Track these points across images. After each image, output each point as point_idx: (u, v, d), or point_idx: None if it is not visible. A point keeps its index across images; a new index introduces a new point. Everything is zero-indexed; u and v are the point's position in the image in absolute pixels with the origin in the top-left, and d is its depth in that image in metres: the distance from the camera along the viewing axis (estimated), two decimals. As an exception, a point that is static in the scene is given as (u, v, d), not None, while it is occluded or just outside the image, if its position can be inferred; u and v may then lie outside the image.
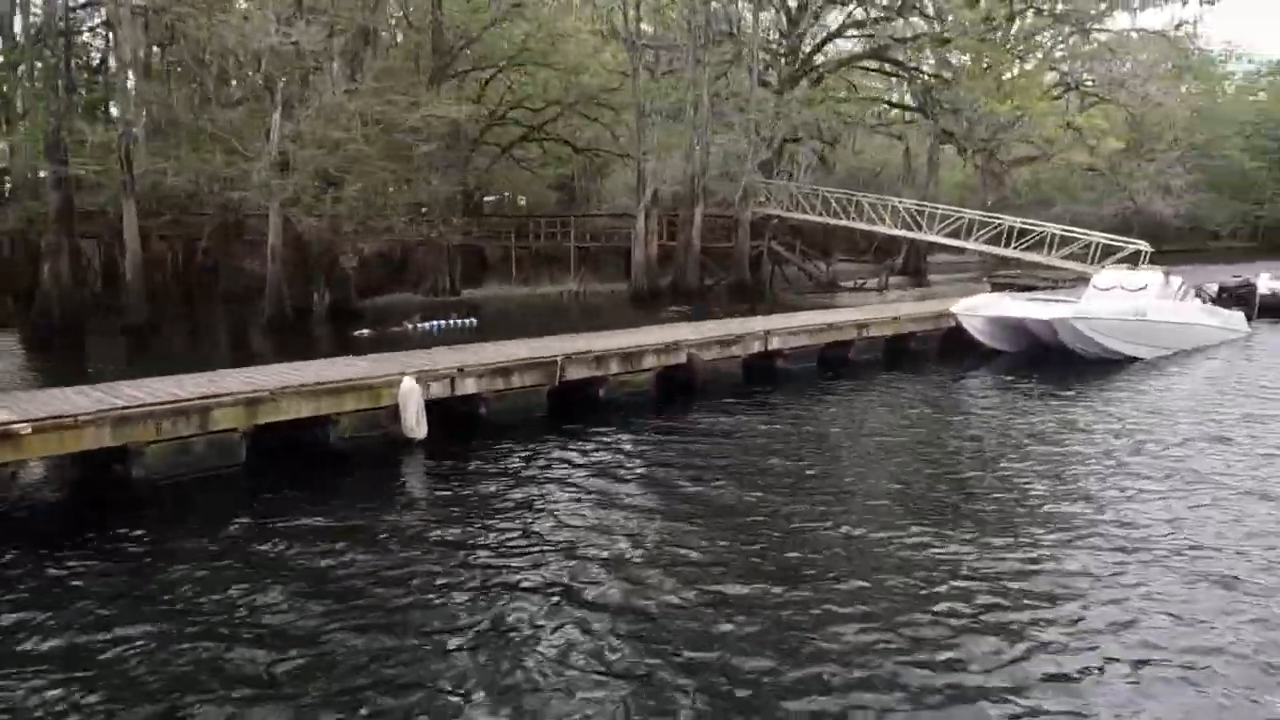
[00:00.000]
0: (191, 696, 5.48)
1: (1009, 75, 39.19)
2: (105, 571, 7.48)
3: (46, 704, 5.43)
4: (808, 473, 10.31)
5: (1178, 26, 41.31)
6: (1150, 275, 18.35)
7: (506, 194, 51.50)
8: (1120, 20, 38.74)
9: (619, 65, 34.71)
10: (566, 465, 10.57)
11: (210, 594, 6.94)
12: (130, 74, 20.97)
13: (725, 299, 30.05)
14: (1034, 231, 27.92)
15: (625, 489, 9.68)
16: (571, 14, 36.62)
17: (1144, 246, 26.38)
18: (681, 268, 30.62)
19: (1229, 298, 20.35)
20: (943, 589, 6.88)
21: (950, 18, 29.95)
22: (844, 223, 31.21)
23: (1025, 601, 6.72)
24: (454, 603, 6.81)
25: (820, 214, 31.54)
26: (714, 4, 30.55)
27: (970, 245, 29.57)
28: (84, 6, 27.72)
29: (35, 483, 9.78)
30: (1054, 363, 16.34)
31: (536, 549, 7.91)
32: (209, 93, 25.61)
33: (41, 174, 23.63)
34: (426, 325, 21.77)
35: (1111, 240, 26.97)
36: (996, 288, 30.07)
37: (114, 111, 24.81)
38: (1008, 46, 33.32)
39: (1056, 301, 17.70)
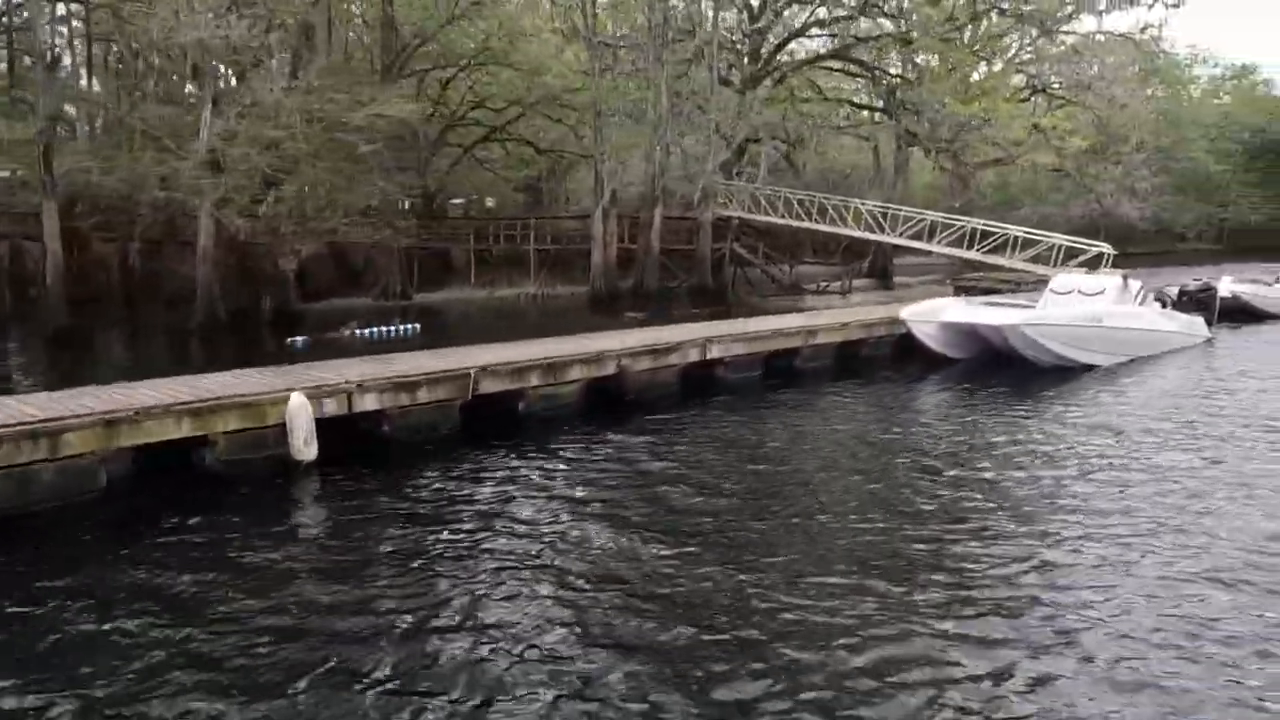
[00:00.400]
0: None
1: (975, 77, 38.71)
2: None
3: None
4: (741, 494, 9.41)
5: (1143, 29, 40.88)
6: (1108, 279, 17.60)
7: (474, 196, 50.40)
8: (1087, 23, 38.26)
9: (582, 65, 33.73)
10: (474, 487, 9.61)
11: (36, 643, 5.95)
12: (40, 69, 19.64)
13: (686, 302, 29.16)
14: (996, 233, 27.23)
15: (538, 514, 8.73)
16: (532, 13, 35.59)
17: (1106, 249, 25.75)
18: (641, 271, 29.65)
19: (1189, 302, 19.67)
20: (879, 632, 6.15)
21: (913, 16, 29.16)
22: (806, 225, 30.36)
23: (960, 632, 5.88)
24: (322, 657, 5.86)
25: (783, 216, 30.69)
26: (674, 1, 29.64)
27: (933, 248, 28.83)
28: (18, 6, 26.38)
29: None
30: (1008, 370, 15.53)
31: (430, 584, 7.02)
32: (143, 89, 24.38)
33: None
34: (365, 332, 20.64)
35: (1074, 243, 26.31)
36: (959, 291, 29.37)
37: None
38: (973, 48, 32.58)
39: (1011, 306, 16.90)
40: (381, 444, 10.84)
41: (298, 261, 23.80)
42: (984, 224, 27.88)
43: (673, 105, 28.89)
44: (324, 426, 10.19)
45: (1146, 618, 6.35)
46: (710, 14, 30.14)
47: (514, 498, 9.23)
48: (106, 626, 6.29)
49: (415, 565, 7.47)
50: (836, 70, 35.35)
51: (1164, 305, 19.70)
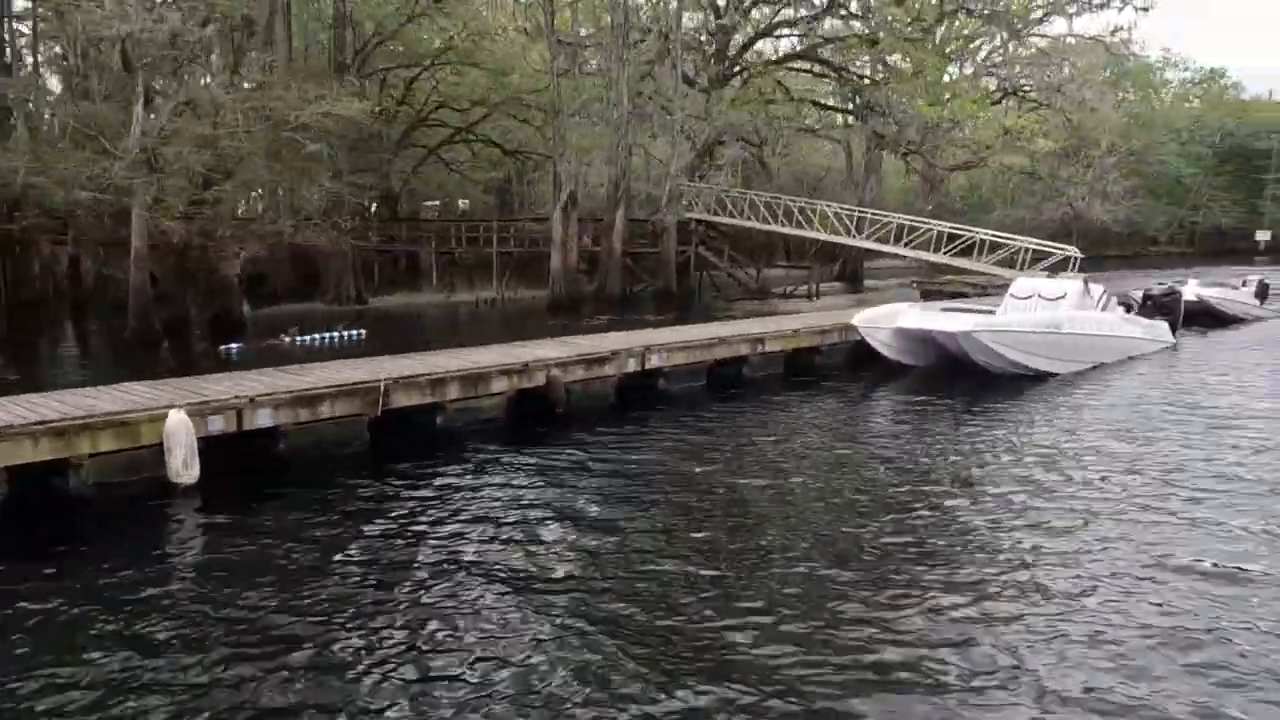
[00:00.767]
0: None
1: (946, 78, 38.17)
2: None
3: None
4: (676, 517, 8.61)
5: (1113, 32, 40.51)
6: (1069, 283, 16.90)
7: (449, 198, 49.45)
8: (1057, 25, 37.86)
9: (547, 65, 32.88)
10: (375, 512, 8.71)
11: None
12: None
13: (651, 307, 28.36)
14: (963, 236, 26.62)
15: (444, 542, 7.87)
16: (496, 10, 34.70)
17: (1073, 252, 25.21)
18: (604, 275, 28.81)
19: (1153, 306, 19.03)
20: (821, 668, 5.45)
21: (879, 16, 28.49)
22: (771, 228, 29.63)
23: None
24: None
25: (748, 218, 29.96)
26: (637, 0, 28.87)
27: (898, 251, 28.18)
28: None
29: None
30: (963, 379, 14.79)
31: (311, 628, 6.15)
32: (86, 86, 23.30)
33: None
34: (305, 338, 19.68)
35: (1041, 245, 25.77)
36: (926, 295, 28.74)
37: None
38: (942, 49, 31.97)
39: (969, 311, 16.18)
40: (277, 465, 9.92)
41: (242, 265, 22.77)
42: (950, 227, 27.28)
43: (635, 105, 28.11)
44: (210, 446, 9.28)
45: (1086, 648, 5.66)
46: (674, 11, 29.33)
47: (418, 523, 8.36)
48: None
49: (296, 604, 6.57)
50: (804, 71, 34.65)
51: (1128, 310, 19.09)
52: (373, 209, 36.92)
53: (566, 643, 5.93)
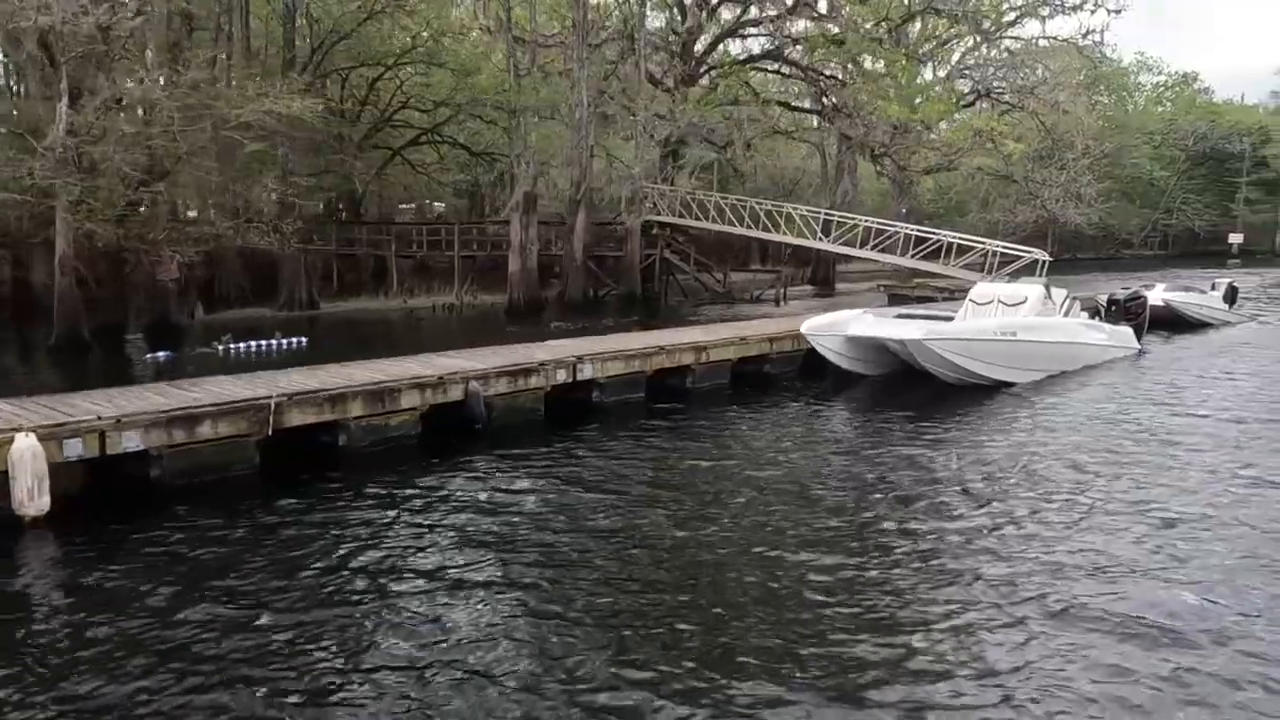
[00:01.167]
0: None
1: (920, 81, 37.50)
2: None
3: None
4: (605, 543, 7.79)
5: (1085, 34, 39.98)
6: (1029, 288, 16.13)
7: (427, 201, 48.41)
8: (1031, 28, 37.27)
9: (525, 68, 31.89)
10: (254, 545, 7.77)
11: None
12: None
13: (614, 311, 27.46)
14: (931, 239, 25.87)
15: (333, 580, 7.00)
16: (458, 8, 33.69)
17: (1041, 255, 24.47)
18: (566, 279, 27.89)
19: (1118, 311, 18.29)
20: None
21: (844, 15, 27.72)
22: (738, 231, 28.79)
23: None
24: None
25: (714, 221, 29.11)
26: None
27: (864, 254, 27.44)
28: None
29: None
30: (917, 389, 13.96)
31: (170, 686, 5.30)
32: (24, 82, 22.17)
33: None
34: (241, 346, 18.64)
35: (1009, 249, 25.05)
36: (894, 299, 28.04)
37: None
38: (908, 50, 31.23)
39: (925, 318, 15.37)
40: (148, 493, 8.93)
41: (192, 269, 21.72)
42: (918, 230, 26.51)
43: (597, 105, 27.20)
44: (67, 473, 8.30)
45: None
46: (637, 11, 28.44)
47: (304, 558, 7.45)
48: None
49: (153, 652, 5.70)
50: (773, 72, 33.86)
51: (1095, 316, 18.36)
52: (342, 213, 35.95)
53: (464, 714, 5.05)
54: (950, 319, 15.95)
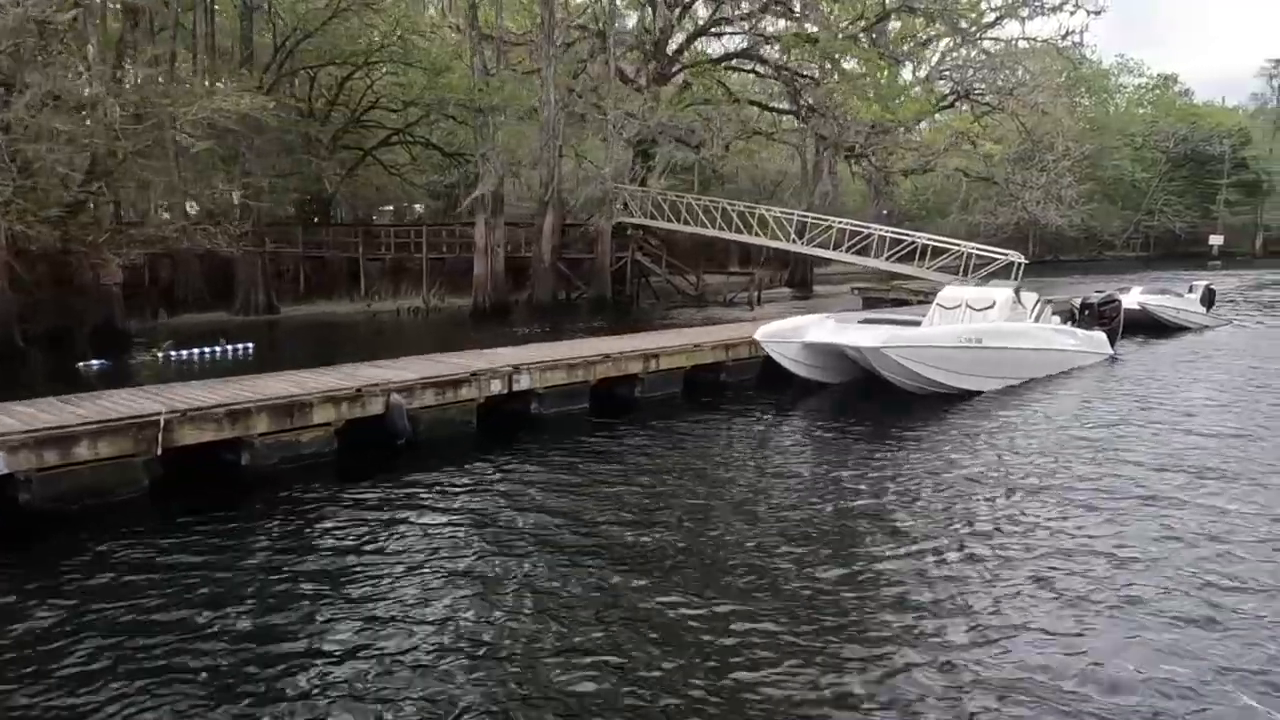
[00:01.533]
0: None
1: (899, 81, 36.81)
2: None
3: None
4: (542, 571, 6.98)
5: (1064, 35, 39.43)
6: (998, 292, 15.37)
7: (407, 204, 47.45)
8: (1010, 29, 36.66)
9: (488, 65, 31.05)
10: (132, 579, 6.90)
11: None
12: None
13: (584, 315, 26.65)
14: (905, 241, 25.14)
15: (225, 619, 6.16)
16: (430, 9, 32.81)
17: (1016, 257, 23.69)
18: (534, 282, 27.05)
19: (1091, 316, 17.55)
20: None
21: (817, 13, 26.96)
22: (710, 232, 27.97)
23: None
24: None
25: (687, 223, 28.30)
26: (569, -4, 27.19)
27: (837, 256, 26.69)
28: None
29: None
30: (878, 399, 13.16)
31: None
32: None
33: None
34: (183, 353, 17.73)
35: (983, 251, 24.32)
36: (868, 302, 27.31)
37: None
38: (880, 50, 30.49)
39: (888, 323, 14.60)
40: (14, 521, 8.03)
41: (150, 273, 20.78)
42: (893, 232, 25.76)
43: (565, 103, 26.37)
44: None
45: None
46: (607, 8, 27.64)
47: (181, 593, 6.60)
48: None
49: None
50: (748, 71, 33.10)
51: (1070, 320, 17.62)
52: (314, 215, 35.01)
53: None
54: (918, 324, 15.22)
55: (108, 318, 20.36)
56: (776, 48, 30.10)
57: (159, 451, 8.69)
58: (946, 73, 39.42)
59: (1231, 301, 28.45)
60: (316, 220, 34.27)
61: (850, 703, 5.14)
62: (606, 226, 27.77)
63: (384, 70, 33.48)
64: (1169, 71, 67.71)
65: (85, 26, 19.15)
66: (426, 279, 29.81)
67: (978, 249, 24.09)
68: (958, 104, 38.98)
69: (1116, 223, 59.61)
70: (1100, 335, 16.92)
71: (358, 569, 7.10)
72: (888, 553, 7.41)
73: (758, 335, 13.43)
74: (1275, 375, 15.19)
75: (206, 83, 20.76)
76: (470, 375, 11.25)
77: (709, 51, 32.04)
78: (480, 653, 5.72)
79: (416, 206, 47.07)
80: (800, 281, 36.99)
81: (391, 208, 47.67)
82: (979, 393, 13.50)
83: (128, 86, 19.52)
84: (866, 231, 25.86)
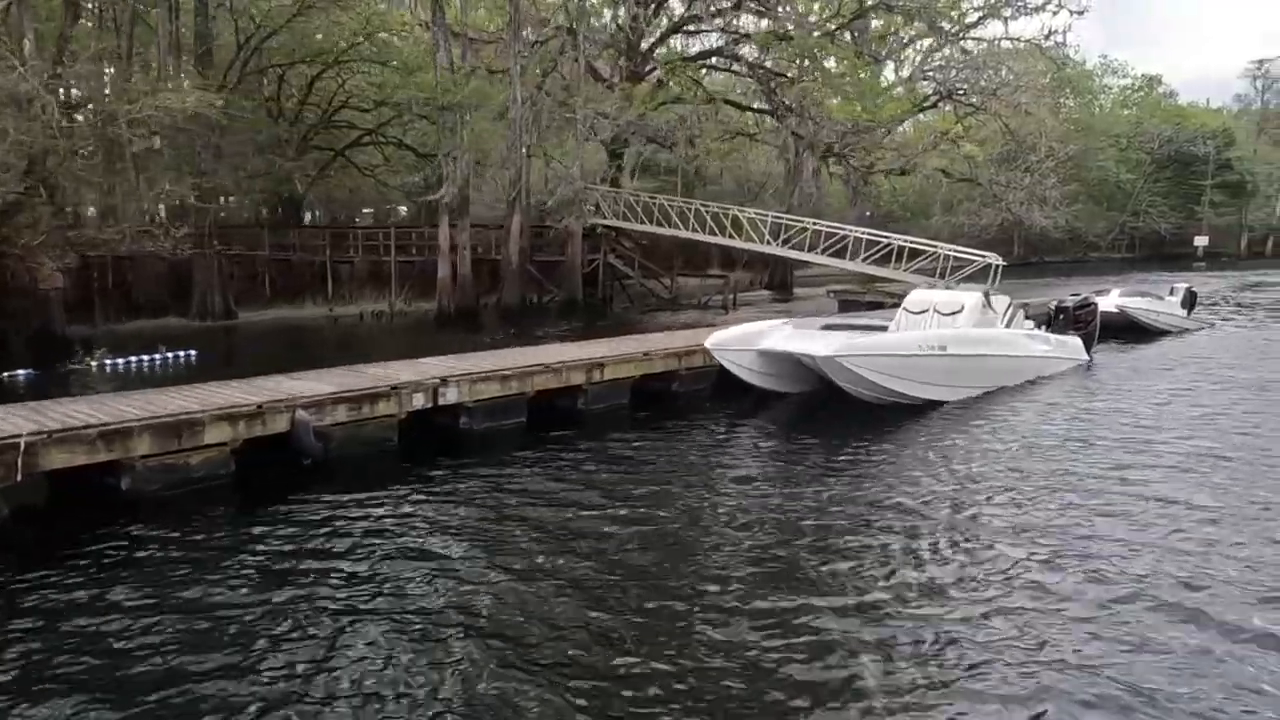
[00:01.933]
0: None
1: (880, 81, 35.98)
2: None
3: None
4: (444, 623, 6.07)
5: (1047, 35, 38.69)
6: (967, 296, 14.51)
7: (388, 206, 46.48)
8: (994, 29, 35.88)
9: (459, 65, 30.10)
10: None
11: None
12: None
13: (555, 319, 25.76)
14: (881, 243, 24.33)
15: (78, 672, 5.29)
16: (399, 6, 31.84)
17: (994, 260, 22.94)
18: (502, 285, 26.13)
19: (1065, 320, 16.71)
20: None
21: (799, 8, 26.11)
22: (683, 234, 27.11)
23: None
24: None
25: (659, 224, 27.42)
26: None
27: (813, 258, 25.87)
28: None
29: None
30: (837, 409, 12.29)
31: None
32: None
33: None
34: (119, 362, 16.78)
35: (960, 253, 23.52)
36: (844, 305, 26.48)
37: None
38: (857, 48, 29.66)
39: (855, 328, 13.73)
40: None
41: (84, 277, 19.85)
42: (868, 233, 24.95)
43: (534, 102, 25.45)
44: None
45: None
46: (576, 6, 26.73)
47: (30, 642, 5.69)
48: None
49: None
50: (723, 70, 32.24)
51: (1046, 325, 16.76)
52: (282, 216, 34.05)
53: None
54: (884, 329, 14.37)
55: (46, 324, 19.37)
56: (753, 46, 29.27)
57: (18, 477, 7.76)
58: (930, 73, 38.69)
59: (1214, 303, 27.70)
60: (287, 222, 33.26)
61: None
62: (577, 228, 26.88)
63: (356, 69, 32.57)
64: (1154, 72, 67.18)
65: (20, 21, 18.20)
66: (395, 282, 28.88)
67: (955, 251, 23.30)
68: (940, 104, 38.26)
69: (1101, 224, 58.94)
70: (1075, 340, 16.08)
71: (244, 608, 6.22)
72: (832, 586, 6.52)
73: (708, 344, 12.53)
74: (1254, 385, 14.36)
75: (157, 80, 19.76)
76: (390, 389, 10.34)
77: (685, 49, 31.17)
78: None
79: (401, 209, 46.15)
80: (780, 284, 36.17)
81: (372, 210, 46.73)
82: (943, 403, 12.64)
83: (71, 83, 18.57)
84: (842, 233, 25.08)
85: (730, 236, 26.62)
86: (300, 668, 5.41)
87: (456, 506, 8.64)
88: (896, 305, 20.84)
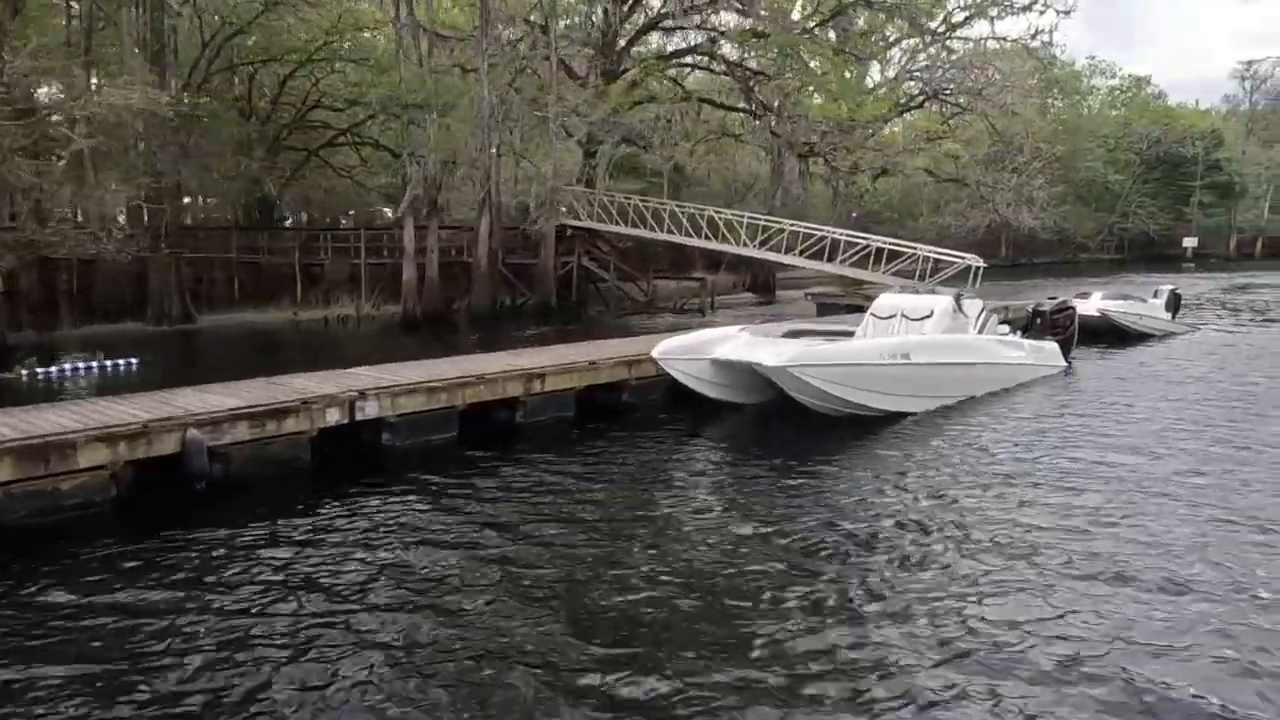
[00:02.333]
0: None
1: (866, 81, 35.17)
2: None
3: None
4: (353, 664, 5.34)
5: (1033, 35, 37.87)
6: (937, 300, 13.62)
7: (372, 208, 45.51)
8: (981, 29, 35.03)
9: (434, 64, 29.20)
10: None
11: None
12: None
13: (528, 322, 24.87)
14: (859, 244, 23.46)
15: None
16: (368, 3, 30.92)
17: (974, 261, 22.05)
18: (472, 288, 25.22)
19: (1042, 325, 15.82)
20: None
21: (775, 5, 25.23)
22: (658, 235, 26.23)
23: None
24: None
25: (634, 225, 26.53)
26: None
27: (790, 260, 24.99)
28: None
29: None
30: (795, 421, 11.40)
31: None
32: None
33: None
34: (53, 370, 15.84)
35: (940, 254, 22.66)
36: (823, 308, 25.62)
37: None
38: (835, 44, 28.79)
39: (818, 334, 12.84)
40: None
41: (3, 281, 18.85)
42: (846, 235, 24.09)
43: (503, 99, 24.53)
44: None
45: None
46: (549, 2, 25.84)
47: None
48: None
49: None
50: (701, 68, 31.36)
51: (1024, 330, 15.87)
52: (258, 218, 33.13)
53: None
54: (851, 334, 13.51)
55: (-14, 329, 18.47)
56: (731, 44, 28.41)
57: None
58: (916, 73, 37.86)
59: (1200, 305, 26.85)
60: (260, 224, 32.31)
61: None
62: (550, 229, 25.99)
63: (330, 68, 31.66)
64: (1142, 73, 66.41)
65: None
66: (365, 285, 27.97)
67: (935, 252, 22.42)
68: (927, 104, 37.43)
69: (1090, 225, 58.16)
70: (1052, 346, 15.20)
71: (107, 650, 5.35)
72: (779, 618, 5.63)
73: (655, 353, 11.60)
74: (1238, 394, 13.48)
75: (123, 79, 18.80)
76: (301, 403, 9.42)
77: (663, 47, 30.30)
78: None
79: (387, 211, 45.21)
80: (763, 286, 35.28)
81: (354, 212, 45.80)
82: (908, 414, 11.75)
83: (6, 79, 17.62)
84: (821, 234, 24.22)
85: (706, 238, 25.75)
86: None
87: (365, 532, 7.76)
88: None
